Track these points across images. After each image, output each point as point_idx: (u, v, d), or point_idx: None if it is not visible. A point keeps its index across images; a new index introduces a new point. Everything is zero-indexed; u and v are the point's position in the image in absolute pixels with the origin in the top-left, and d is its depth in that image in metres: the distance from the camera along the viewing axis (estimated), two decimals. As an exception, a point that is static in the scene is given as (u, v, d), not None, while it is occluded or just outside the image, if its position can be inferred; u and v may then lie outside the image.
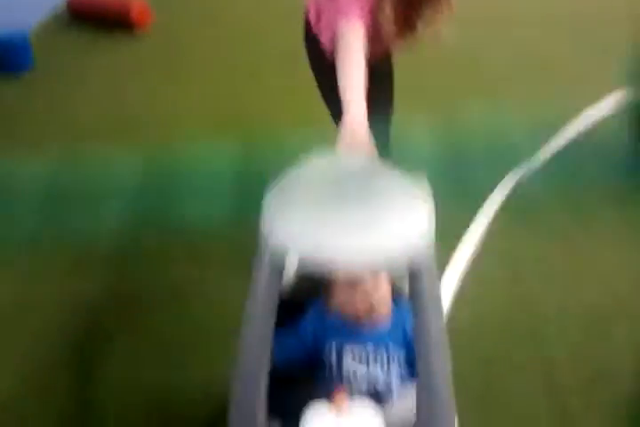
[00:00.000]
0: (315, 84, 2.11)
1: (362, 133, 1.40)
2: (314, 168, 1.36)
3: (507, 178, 3.09)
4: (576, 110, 3.55)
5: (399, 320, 1.49)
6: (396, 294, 1.51)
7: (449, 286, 2.49)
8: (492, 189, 3.01)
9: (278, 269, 1.27)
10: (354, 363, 1.47)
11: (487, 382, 2.12)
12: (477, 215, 2.86)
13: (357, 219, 1.19)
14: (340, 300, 1.45)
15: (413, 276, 1.24)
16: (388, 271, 1.46)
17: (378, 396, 1.44)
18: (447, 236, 2.42)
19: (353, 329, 1.48)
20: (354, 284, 1.41)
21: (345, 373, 1.48)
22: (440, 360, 1.28)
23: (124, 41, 4.66)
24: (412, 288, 1.26)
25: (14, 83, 4.09)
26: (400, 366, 1.49)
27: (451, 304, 2.40)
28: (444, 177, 2.81)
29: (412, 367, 1.45)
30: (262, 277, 1.26)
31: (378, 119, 1.60)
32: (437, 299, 1.33)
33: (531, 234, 2.77)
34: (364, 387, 1.47)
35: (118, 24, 4.76)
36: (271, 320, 1.28)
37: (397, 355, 1.48)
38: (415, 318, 1.28)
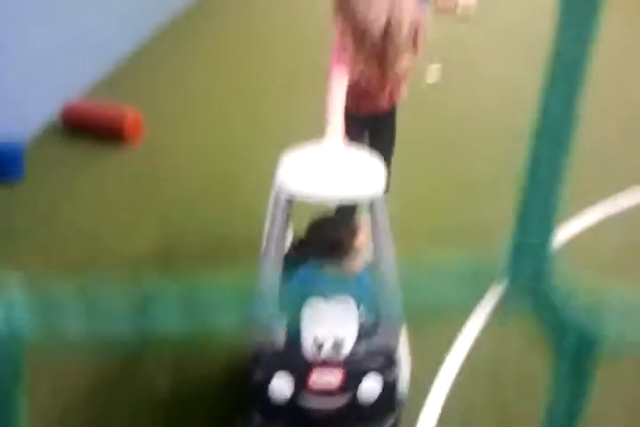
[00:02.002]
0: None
1: (338, 136, 2.32)
2: (311, 148, 2.23)
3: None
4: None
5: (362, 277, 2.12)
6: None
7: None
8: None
9: (289, 206, 2.01)
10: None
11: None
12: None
13: (341, 172, 2.07)
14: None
15: (373, 205, 2.00)
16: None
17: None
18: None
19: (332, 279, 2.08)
20: (355, 253, 2.09)
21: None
22: (390, 254, 2.00)
23: (116, 152, 4.78)
24: (371, 213, 2.02)
25: (1, 192, 4.14)
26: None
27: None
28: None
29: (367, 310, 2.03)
30: (278, 212, 1.99)
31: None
32: (385, 224, 2.03)
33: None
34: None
35: (111, 136, 4.90)
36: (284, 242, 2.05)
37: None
38: (372, 231, 2.02)
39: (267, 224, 2.33)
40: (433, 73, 5.27)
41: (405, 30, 2.47)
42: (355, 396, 1.90)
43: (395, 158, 3.09)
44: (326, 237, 2.11)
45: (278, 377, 1.87)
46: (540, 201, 0.41)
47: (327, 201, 2.38)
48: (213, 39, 8.97)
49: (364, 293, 2.11)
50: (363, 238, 2.14)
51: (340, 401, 1.89)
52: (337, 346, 1.88)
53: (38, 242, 3.58)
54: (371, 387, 1.90)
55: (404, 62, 2.56)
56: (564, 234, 3.71)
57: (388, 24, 2.41)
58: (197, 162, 4.72)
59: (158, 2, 6.89)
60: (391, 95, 2.78)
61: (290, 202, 2.02)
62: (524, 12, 12.51)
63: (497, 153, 4.98)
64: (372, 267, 2.09)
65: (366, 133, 2.87)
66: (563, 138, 0.42)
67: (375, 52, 2.49)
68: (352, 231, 2.15)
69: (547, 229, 0.41)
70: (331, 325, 1.92)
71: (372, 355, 1.94)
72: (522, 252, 0.41)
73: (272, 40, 9.29)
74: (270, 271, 1.97)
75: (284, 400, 1.88)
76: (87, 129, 5.02)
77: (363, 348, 1.93)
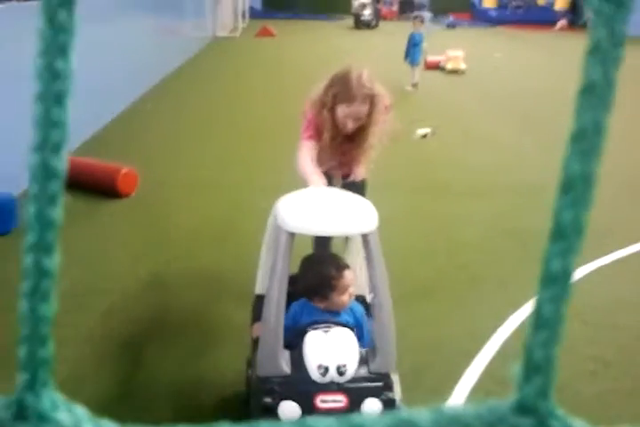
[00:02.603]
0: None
1: (320, 185, 2.61)
2: (302, 193, 2.44)
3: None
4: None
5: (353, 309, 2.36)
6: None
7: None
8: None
9: (291, 242, 2.17)
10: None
11: None
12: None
13: (338, 210, 2.26)
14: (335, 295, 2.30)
15: (366, 241, 2.19)
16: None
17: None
18: None
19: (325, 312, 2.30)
20: (344, 288, 2.27)
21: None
22: (385, 288, 2.20)
23: (110, 206, 4.83)
24: (365, 248, 2.21)
25: (-5, 243, 4.14)
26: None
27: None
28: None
29: (360, 340, 2.21)
30: (280, 253, 2.15)
31: None
32: (379, 255, 2.22)
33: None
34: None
35: (104, 190, 4.97)
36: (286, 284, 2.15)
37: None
38: (368, 264, 2.22)
39: (261, 263, 2.63)
40: (422, 133, 5.43)
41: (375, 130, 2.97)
42: None
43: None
44: (316, 274, 2.29)
45: (286, 402, 2.05)
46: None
47: (326, 235, 2.70)
48: (199, 98, 9.23)
49: (357, 323, 2.32)
50: (350, 275, 2.32)
51: None
52: (340, 371, 2.07)
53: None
54: (372, 408, 2.10)
55: (370, 140, 2.99)
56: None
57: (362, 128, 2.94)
58: (189, 214, 4.78)
59: (149, 65, 7.15)
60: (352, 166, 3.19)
61: (292, 238, 2.18)
62: (510, 72, 13.00)
63: (483, 210, 5.11)
64: (369, 298, 2.29)
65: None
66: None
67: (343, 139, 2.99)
68: (341, 268, 2.31)
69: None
70: (333, 352, 2.10)
71: (371, 379, 2.14)
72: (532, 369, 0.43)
73: (256, 96, 9.59)
74: (275, 306, 2.13)
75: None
76: (81, 183, 5.08)
77: (363, 372, 2.13)
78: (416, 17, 11.38)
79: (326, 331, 2.17)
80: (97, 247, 4.22)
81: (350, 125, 2.89)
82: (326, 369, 2.06)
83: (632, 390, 2.90)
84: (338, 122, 2.89)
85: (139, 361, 3.05)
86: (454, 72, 12.56)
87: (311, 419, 0.38)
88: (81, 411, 0.38)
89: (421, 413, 0.36)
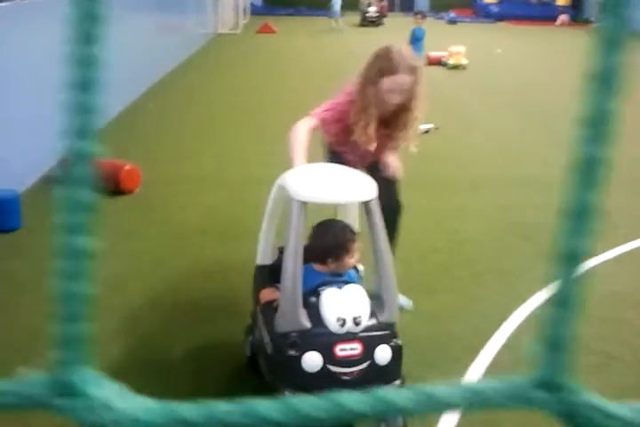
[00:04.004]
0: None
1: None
2: (308, 167, 2.63)
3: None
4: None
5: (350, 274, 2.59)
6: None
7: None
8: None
9: (303, 211, 2.36)
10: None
11: None
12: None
13: (342, 181, 2.50)
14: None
15: (369, 209, 2.43)
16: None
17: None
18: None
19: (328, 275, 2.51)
20: (354, 251, 2.49)
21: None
22: (387, 249, 2.48)
23: (111, 204, 4.83)
24: (368, 214, 2.44)
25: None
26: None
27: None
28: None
29: None
30: (294, 221, 2.34)
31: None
32: (381, 220, 2.45)
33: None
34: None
35: (107, 188, 4.97)
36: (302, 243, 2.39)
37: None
38: (371, 228, 2.44)
39: (261, 235, 2.84)
40: (424, 128, 5.44)
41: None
42: (372, 362, 2.32)
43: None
44: (334, 237, 2.49)
45: (309, 352, 2.26)
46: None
47: (332, 204, 2.90)
48: (202, 94, 9.24)
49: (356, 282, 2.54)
50: (357, 241, 2.56)
51: (360, 367, 2.30)
52: (356, 322, 2.29)
53: (36, 289, 3.57)
54: (384, 353, 2.33)
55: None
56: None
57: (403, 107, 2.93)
58: (193, 210, 4.79)
59: (151, 62, 7.14)
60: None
61: (304, 207, 2.38)
62: (512, 67, 12.98)
63: (486, 204, 5.11)
64: (373, 260, 2.51)
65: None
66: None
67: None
68: (353, 233, 2.54)
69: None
70: (349, 305, 2.31)
71: (381, 328, 2.37)
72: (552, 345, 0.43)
73: (258, 91, 9.59)
74: (292, 268, 2.34)
75: (315, 372, 2.26)
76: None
77: (373, 323, 2.35)
78: (417, 13, 11.39)
79: (340, 287, 2.38)
80: (100, 244, 4.20)
81: (396, 99, 2.85)
82: (344, 321, 2.27)
83: (637, 385, 2.91)
84: (383, 97, 2.84)
85: (152, 336, 3.10)
86: (456, 67, 12.55)
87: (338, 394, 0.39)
88: (115, 387, 0.39)
89: (443, 388, 0.37)
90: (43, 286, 3.14)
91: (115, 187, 4.94)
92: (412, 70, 2.83)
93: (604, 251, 4.22)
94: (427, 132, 6.41)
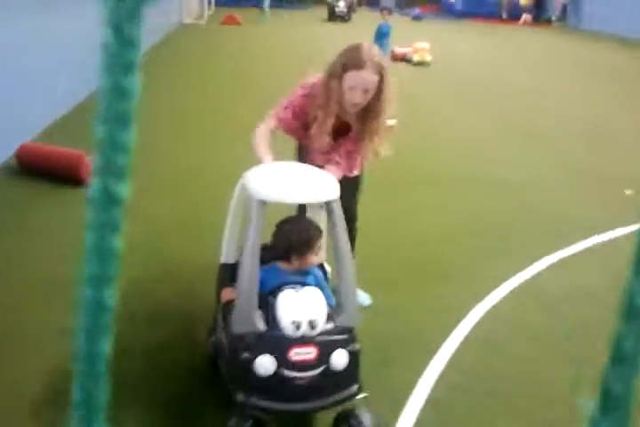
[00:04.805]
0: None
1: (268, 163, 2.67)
2: (270, 166, 2.62)
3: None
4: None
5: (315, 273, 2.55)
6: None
7: None
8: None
9: (263, 210, 2.33)
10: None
11: None
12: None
13: (302, 181, 2.44)
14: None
15: (330, 210, 2.40)
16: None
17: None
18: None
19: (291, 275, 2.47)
20: (318, 249, 2.49)
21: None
22: (348, 250, 2.44)
23: (71, 194, 4.74)
24: (330, 214, 2.41)
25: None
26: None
27: None
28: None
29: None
30: (253, 220, 2.32)
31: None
32: (342, 221, 2.42)
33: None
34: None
35: (67, 178, 4.88)
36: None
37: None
38: (332, 229, 2.41)
39: (225, 233, 2.80)
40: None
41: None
42: (327, 367, 2.28)
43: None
44: (299, 233, 2.45)
45: (263, 355, 2.21)
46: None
47: (293, 204, 2.81)
48: (166, 84, 9.09)
49: (319, 285, 2.48)
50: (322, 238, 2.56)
51: (315, 372, 2.27)
52: (312, 325, 2.25)
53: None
54: (340, 358, 2.30)
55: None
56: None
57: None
58: (169, 204, 4.71)
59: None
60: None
61: (264, 206, 2.34)
62: (475, 64, 13.09)
63: (445, 202, 5.15)
64: (334, 261, 2.47)
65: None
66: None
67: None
68: (318, 230, 2.51)
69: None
70: (305, 308, 2.28)
71: (338, 332, 2.32)
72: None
73: (224, 82, 9.50)
74: (249, 268, 2.30)
75: (268, 375, 2.22)
76: (44, 170, 5.00)
77: (330, 327, 2.31)
78: (383, 8, 11.43)
79: (297, 290, 2.34)
80: (59, 234, 4.13)
81: (357, 97, 2.74)
82: (299, 324, 2.24)
83: None
84: (344, 94, 2.74)
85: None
86: (421, 64, 12.61)
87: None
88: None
89: None
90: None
91: (74, 177, 4.85)
92: (379, 69, 2.72)
93: (562, 248, 4.29)
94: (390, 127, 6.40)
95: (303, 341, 2.25)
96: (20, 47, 5.62)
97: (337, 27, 20.52)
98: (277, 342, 2.24)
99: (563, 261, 4.13)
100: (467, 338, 3.23)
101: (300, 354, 2.24)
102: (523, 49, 17.14)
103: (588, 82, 12.02)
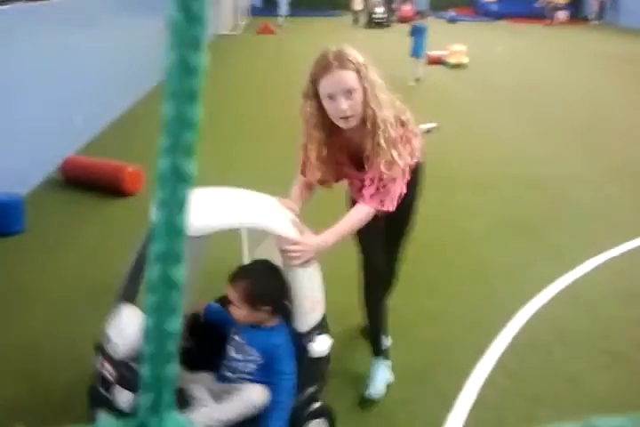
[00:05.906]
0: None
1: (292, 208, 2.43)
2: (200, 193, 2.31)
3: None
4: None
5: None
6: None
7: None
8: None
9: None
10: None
11: None
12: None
13: (228, 208, 2.27)
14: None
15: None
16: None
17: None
18: None
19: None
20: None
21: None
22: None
23: (115, 205, 4.82)
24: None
25: (2, 244, 4.13)
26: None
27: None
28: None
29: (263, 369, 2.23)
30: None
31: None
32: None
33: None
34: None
35: (110, 189, 4.97)
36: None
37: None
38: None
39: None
40: (426, 128, 5.43)
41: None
42: None
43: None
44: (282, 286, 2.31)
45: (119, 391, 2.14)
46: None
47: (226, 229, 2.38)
48: (202, 96, 9.17)
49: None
50: None
51: None
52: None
53: (40, 292, 3.57)
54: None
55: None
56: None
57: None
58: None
59: (150, 64, 7.13)
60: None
61: (197, 240, 2.12)
62: (512, 65, 12.96)
63: (488, 203, 5.09)
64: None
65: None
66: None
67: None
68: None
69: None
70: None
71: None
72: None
73: (260, 92, 9.57)
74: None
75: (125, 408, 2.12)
76: (87, 183, 5.10)
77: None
78: (419, 12, 11.55)
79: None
80: (105, 245, 4.20)
81: (343, 104, 2.28)
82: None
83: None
84: (327, 109, 2.33)
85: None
86: (457, 66, 12.53)
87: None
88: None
89: None
90: (46, 290, 3.16)
91: (118, 188, 4.94)
92: (349, 64, 2.29)
93: (608, 249, 4.21)
94: (429, 131, 6.40)
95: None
96: (69, 63, 5.75)
97: (374, 33, 20.46)
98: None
99: (609, 263, 4.05)
100: (513, 341, 3.19)
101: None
102: (561, 48, 16.90)
103: (626, 79, 11.80)
